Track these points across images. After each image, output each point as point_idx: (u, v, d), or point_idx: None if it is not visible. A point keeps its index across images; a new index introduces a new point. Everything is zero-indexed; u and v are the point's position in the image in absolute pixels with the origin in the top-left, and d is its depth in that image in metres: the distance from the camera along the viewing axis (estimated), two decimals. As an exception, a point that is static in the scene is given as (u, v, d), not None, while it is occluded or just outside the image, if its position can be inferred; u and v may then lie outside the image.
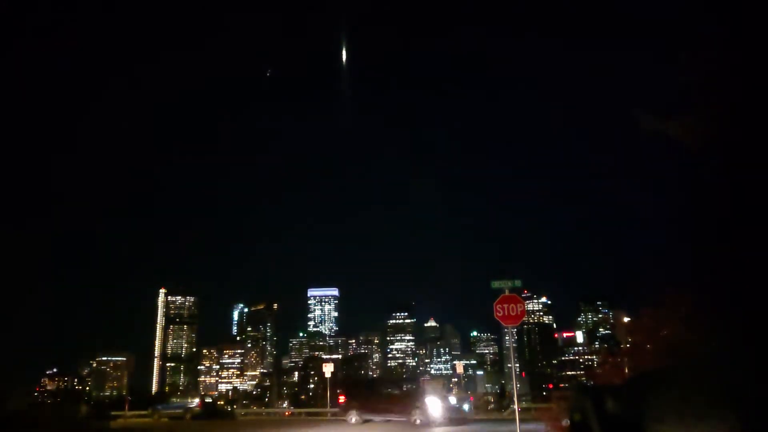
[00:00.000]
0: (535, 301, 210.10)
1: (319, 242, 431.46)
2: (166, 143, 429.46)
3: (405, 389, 27.74)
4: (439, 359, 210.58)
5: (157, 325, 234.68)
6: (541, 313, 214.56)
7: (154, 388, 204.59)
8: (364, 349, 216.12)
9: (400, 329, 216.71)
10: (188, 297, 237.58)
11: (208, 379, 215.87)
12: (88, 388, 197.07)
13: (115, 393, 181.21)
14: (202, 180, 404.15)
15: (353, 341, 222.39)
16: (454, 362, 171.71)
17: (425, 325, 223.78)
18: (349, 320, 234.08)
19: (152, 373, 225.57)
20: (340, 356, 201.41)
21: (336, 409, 30.54)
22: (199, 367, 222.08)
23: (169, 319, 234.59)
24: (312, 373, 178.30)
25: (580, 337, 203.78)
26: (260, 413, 68.26)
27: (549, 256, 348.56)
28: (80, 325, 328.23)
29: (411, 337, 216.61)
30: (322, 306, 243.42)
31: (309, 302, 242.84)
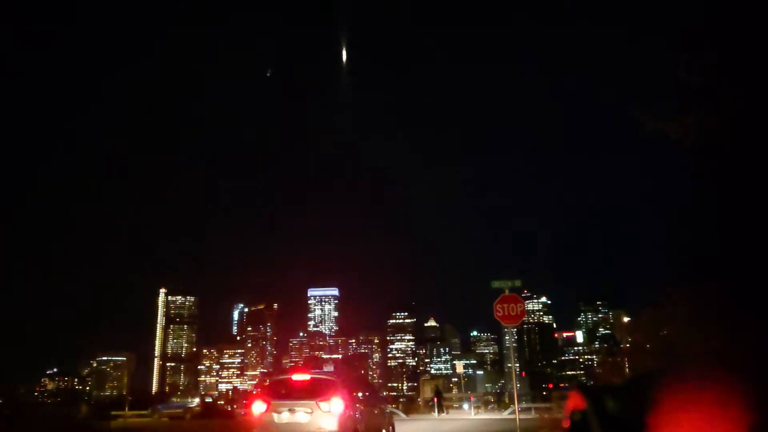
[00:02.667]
0: (535, 301, 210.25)
1: (319, 242, 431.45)
2: (166, 143, 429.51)
3: None
4: (439, 359, 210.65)
5: (157, 325, 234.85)
6: (541, 313, 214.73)
7: (154, 388, 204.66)
8: (364, 349, 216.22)
9: (400, 329, 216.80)
10: (188, 297, 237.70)
11: (208, 379, 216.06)
12: (88, 388, 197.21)
13: (115, 393, 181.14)
14: (202, 180, 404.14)
15: (353, 341, 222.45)
16: (454, 362, 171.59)
17: (425, 325, 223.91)
18: (349, 320, 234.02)
19: (152, 373, 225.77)
20: (340, 356, 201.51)
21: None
22: (199, 367, 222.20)
23: (169, 319, 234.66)
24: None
25: (580, 337, 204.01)
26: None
27: (549, 256, 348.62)
28: (80, 325, 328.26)
29: (411, 337, 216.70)
30: (322, 306, 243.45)
31: (309, 302, 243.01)
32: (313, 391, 10.30)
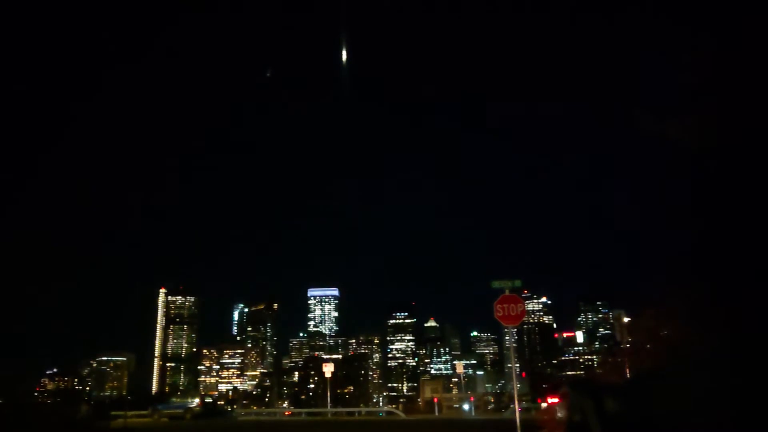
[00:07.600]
0: (535, 301, 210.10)
1: (319, 242, 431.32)
2: (166, 143, 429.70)
3: None
4: (439, 359, 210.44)
5: (157, 325, 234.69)
6: (541, 313, 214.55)
7: (154, 388, 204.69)
8: (364, 349, 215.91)
9: (400, 329, 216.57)
10: (188, 297, 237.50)
11: (208, 379, 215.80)
12: (88, 388, 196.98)
13: (115, 393, 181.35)
14: (202, 180, 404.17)
15: (353, 341, 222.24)
16: (454, 362, 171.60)
17: (425, 325, 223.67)
18: (349, 320, 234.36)
19: (152, 373, 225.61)
20: (340, 356, 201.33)
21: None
22: (199, 367, 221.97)
23: (169, 319, 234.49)
24: (312, 373, 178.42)
25: (580, 337, 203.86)
26: (260, 413, 68.40)
27: (549, 256, 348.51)
28: (80, 325, 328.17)
29: (411, 337, 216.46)
30: (322, 306, 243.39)
31: (309, 302, 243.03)
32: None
